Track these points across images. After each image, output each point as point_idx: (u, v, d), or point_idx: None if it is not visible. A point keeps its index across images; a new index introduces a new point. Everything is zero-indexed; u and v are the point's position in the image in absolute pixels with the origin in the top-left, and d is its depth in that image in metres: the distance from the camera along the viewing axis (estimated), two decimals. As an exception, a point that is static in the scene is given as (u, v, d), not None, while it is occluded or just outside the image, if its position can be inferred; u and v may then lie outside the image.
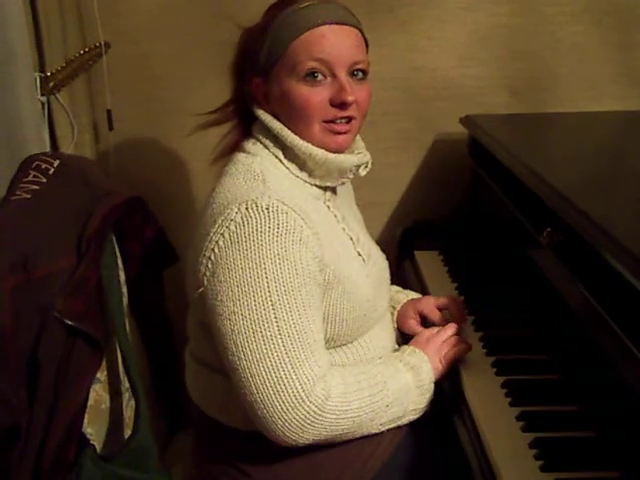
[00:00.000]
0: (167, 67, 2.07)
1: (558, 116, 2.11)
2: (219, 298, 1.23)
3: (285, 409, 1.20)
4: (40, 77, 1.75)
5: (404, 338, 1.55)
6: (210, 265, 1.24)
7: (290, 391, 1.20)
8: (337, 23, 1.31)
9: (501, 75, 2.14)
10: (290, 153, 1.34)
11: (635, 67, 2.15)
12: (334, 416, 1.24)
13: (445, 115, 2.14)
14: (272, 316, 1.20)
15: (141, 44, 2.06)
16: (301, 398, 1.20)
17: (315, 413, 1.22)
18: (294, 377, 1.20)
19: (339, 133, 1.33)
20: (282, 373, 1.20)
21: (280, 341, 1.20)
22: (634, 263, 1.09)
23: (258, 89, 1.36)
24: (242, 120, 1.41)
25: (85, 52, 1.95)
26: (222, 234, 1.23)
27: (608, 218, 1.25)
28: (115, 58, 2.02)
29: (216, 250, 1.23)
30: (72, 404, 1.32)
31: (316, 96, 1.30)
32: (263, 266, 1.21)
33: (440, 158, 2.20)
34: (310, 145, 1.32)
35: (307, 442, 1.25)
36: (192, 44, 2.04)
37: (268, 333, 1.20)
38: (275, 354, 1.20)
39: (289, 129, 1.33)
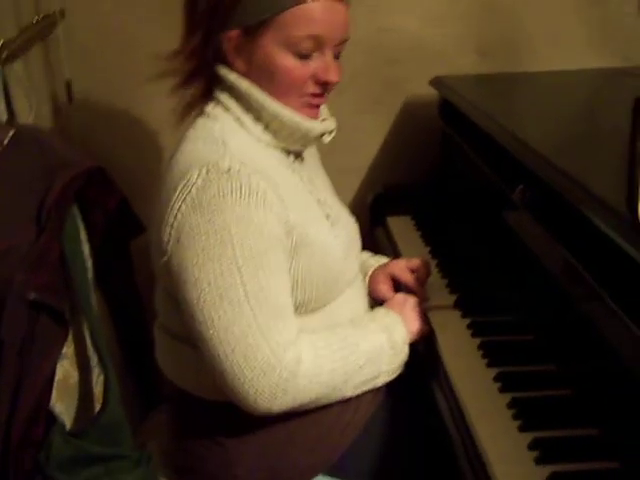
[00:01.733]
0: (127, 33, 2.01)
1: (530, 75, 2.08)
2: (184, 265, 1.19)
3: (256, 377, 1.18)
4: (-5, 46, 1.69)
5: (376, 304, 1.52)
6: (173, 232, 1.21)
7: (260, 358, 1.18)
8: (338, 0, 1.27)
9: (471, 34, 2.11)
10: (255, 114, 1.30)
11: (608, 23, 2.13)
12: (306, 381, 1.22)
13: (414, 77, 2.10)
14: (238, 281, 1.17)
15: (98, 11, 1.99)
16: (272, 365, 1.18)
17: (287, 379, 1.19)
18: (264, 344, 1.18)
19: (315, 106, 1.31)
20: (251, 340, 1.17)
21: (248, 307, 1.18)
22: (610, 216, 1.08)
23: (230, 42, 1.27)
24: (200, 75, 1.33)
25: (40, 19, 1.88)
26: (184, 200, 1.19)
27: (583, 173, 1.23)
28: (72, 25, 1.97)
29: (179, 216, 1.20)
30: (38, 380, 1.29)
31: (302, 70, 1.27)
32: (227, 230, 1.17)
33: (410, 121, 2.17)
34: (279, 106, 1.28)
35: (281, 409, 1.23)
36: (154, 7, 1.97)
37: (235, 299, 1.17)
38: (243, 320, 1.17)
39: (259, 88, 1.28)
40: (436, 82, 2.00)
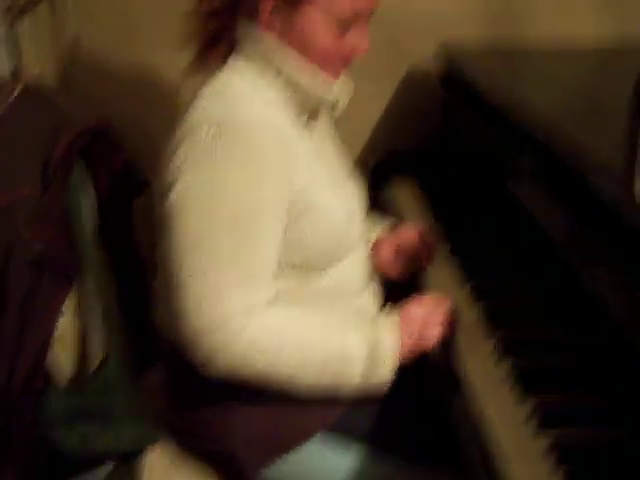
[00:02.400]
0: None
1: (536, 44, 2.07)
2: (171, 211, 1.19)
3: (199, 332, 1.18)
4: (4, 2, 1.69)
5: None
6: (172, 180, 1.20)
7: (209, 315, 1.17)
8: None
9: (474, 3, 2.10)
10: (273, 73, 1.28)
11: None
12: (244, 352, 1.19)
13: (419, 47, 2.09)
14: (217, 236, 1.18)
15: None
16: (216, 325, 1.18)
17: (224, 343, 1.18)
18: (217, 302, 1.18)
19: (339, 70, 1.31)
20: (208, 294, 1.17)
21: (218, 262, 1.18)
22: (617, 186, 1.08)
23: (266, 2, 1.24)
24: (225, 35, 1.30)
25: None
26: (189, 152, 1.19)
27: (590, 142, 1.23)
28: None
29: (181, 166, 1.19)
30: (40, 334, 1.30)
31: (340, 41, 1.26)
32: (224, 186, 1.18)
33: (412, 90, 2.16)
34: (299, 67, 1.27)
35: (221, 372, 1.22)
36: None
37: (210, 250, 1.17)
38: (207, 274, 1.17)
39: (284, 46, 1.27)
40: (442, 51, 1.99)
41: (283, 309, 1.26)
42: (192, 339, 1.19)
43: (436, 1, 2.09)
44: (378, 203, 1.93)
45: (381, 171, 2.03)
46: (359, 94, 1.40)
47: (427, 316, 1.29)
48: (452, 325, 1.29)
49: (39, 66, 1.85)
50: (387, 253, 1.54)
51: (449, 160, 2.00)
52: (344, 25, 1.25)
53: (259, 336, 1.20)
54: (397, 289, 1.51)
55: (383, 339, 1.25)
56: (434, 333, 1.28)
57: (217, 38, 1.30)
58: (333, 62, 1.29)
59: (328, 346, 1.24)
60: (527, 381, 1.15)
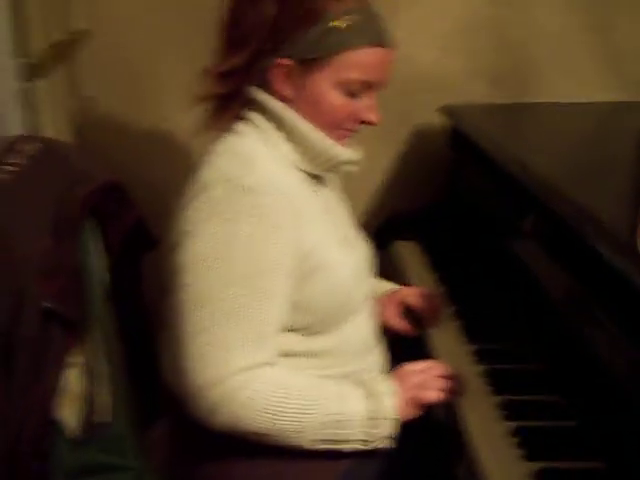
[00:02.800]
0: (148, 52, 2.06)
1: (540, 105, 2.11)
2: (185, 266, 1.22)
3: (203, 387, 1.20)
4: (22, 63, 1.73)
5: (383, 329, 1.53)
6: (185, 237, 1.23)
7: (213, 371, 1.19)
8: (390, 48, 1.31)
9: (482, 66, 2.15)
10: (285, 134, 1.31)
11: (616, 54, 2.16)
12: (245, 410, 1.20)
13: (425, 106, 2.13)
14: (229, 293, 1.19)
15: (122, 30, 2.05)
16: (219, 380, 1.19)
17: (225, 400, 1.20)
18: (222, 359, 1.19)
19: (346, 137, 1.35)
20: (213, 351, 1.19)
21: (225, 320, 1.19)
22: (617, 248, 1.10)
23: (280, 68, 1.28)
24: (235, 99, 1.33)
25: (68, 39, 1.93)
26: (202, 209, 1.22)
27: (592, 204, 1.25)
28: (97, 44, 2.02)
29: (193, 222, 1.22)
30: (48, 389, 1.30)
31: (349, 108, 1.30)
32: (234, 244, 1.20)
33: (419, 149, 2.20)
34: (311, 127, 1.30)
35: (221, 426, 1.23)
36: (176, 30, 2.02)
37: (218, 308, 1.19)
38: (214, 331, 1.19)
39: (293, 111, 1.30)
40: (446, 110, 2.03)
41: (285, 368, 1.28)
42: (196, 393, 1.21)
43: (443, 62, 2.14)
44: (382, 264, 1.94)
45: (386, 232, 2.05)
46: (366, 153, 1.43)
47: (423, 371, 1.31)
48: (454, 387, 1.30)
49: (54, 125, 1.89)
50: (392, 312, 1.55)
51: (453, 221, 2.02)
52: (353, 93, 1.28)
53: (260, 394, 1.21)
54: (403, 345, 1.52)
55: (383, 399, 1.25)
56: (433, 387, 1.29)
57: (229, 99, 1.33)
58: (341, 128, 1.32)
59: (328, 407, 1.24)
60: (530, 444, 1.15)
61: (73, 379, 1.42)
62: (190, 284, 1.21)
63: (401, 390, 1.27)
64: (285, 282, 1.24)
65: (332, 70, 1.27)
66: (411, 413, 1.28)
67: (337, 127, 1.32)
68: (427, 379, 1.30)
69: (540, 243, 1.37)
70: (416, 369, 1.32)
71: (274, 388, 1.22)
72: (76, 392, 1.43)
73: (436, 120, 2.05)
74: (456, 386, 1.30)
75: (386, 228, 2.06)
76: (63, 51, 1.93)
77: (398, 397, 1.26)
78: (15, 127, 1.63)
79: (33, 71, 1.77)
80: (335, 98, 1.28)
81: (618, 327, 1.10)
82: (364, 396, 1.25)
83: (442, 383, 1.30)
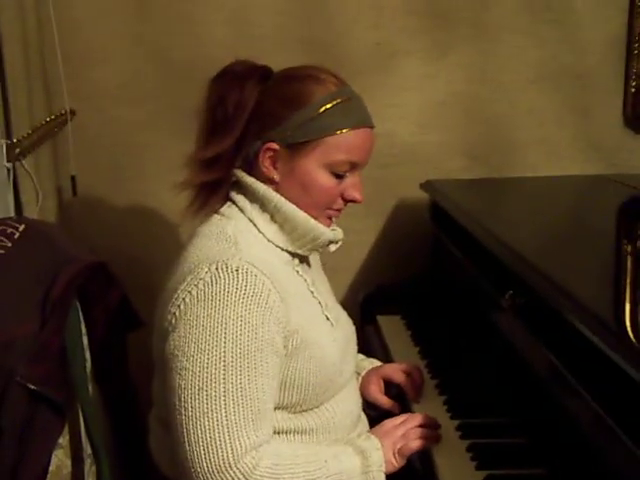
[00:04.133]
0: (131, 133, 2.10)
1: (517, 180, 2.16)
2: (175, 352, 1.23)
3: (211, 471, 1.19)
4: (6, 144, 1.76)
5: (367, 405, 1.55)
6: (173, 320, 1.24)
7: (220, 455, 1.19)
8: (372, 127, 1.35)
9: (460, 141, 2.21)
10: (269, 216, 1.34)
11: (592, 131, 2.23)
12: None
13: (406, 180, 2.18)
14: (221, 377, 1.20)
15: (106, 111, 2.09)
16: (229, 464, 1.19)
17: (238, 479, 1.20)
18: (227, 442, 1.19)
19: (331, 218, 1.38)
20: (217, 435, 1.19)
21: (223, 403, 1.20)
22: (597, 325, 1.12)
23: (267, 153, 1.32)
24: (223, 185, 1.36)
25: (51, 119, 1.97)
26: (189, 291, 1.23)
27: (570, 281, 1.28)
28: (80, 124, 2.06)
29: (182, 306, 1.23)
30: (34, 470, 1.30)
31: (337, 189, 1.34)
32: (224, 326, 1.21)
33: (401, 223, 2.24)
34: (295, 209, 1.33)
35: None
36: (156, 110, 2.07)
37: (213, 393, 1.20)
38: (215, 415, 1.19)
39: (276, 192, 1.33)
40: (426, 186, 2.06)
41: (285, 442, 1.30)
42: (207, 479, 1.20)
43: (423, 138, 2.19)
44: (366, 338, 1.96)
45: (369, 306, 2.06)
46: (348, 228, 1.46)
47: (404, 424, 1.38)
48: (433, 434, 1.38)
49: (38, 203, 1.91)
50: (375, 388, 1.56)
51: (435, 294, 2.04)
52: (340, 174, 1.32)
53: (270, 470, 1.22)
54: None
55: (372, 453, 1.31)
56: (415, 436, 1.36)
57: (215, 185, 1.35)
58: (330, 208, 1.36)
59: (329, 469, 1.27)
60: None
61: (58, 460, 1.42)
62: (184, 368, 1.21)
63: (388, 444, 1.34)
64: (274, 360, 1.26)
65: (320, 153, 1.30)
66: (399, 463, 1.35)
67: (326, 207, 1.35)
68: (409, 430, 1.37)
69: (519, 318, 1.39)
70: (396, 423, 1.39)
71: (280, 461, 1.24)
72: (62, 473, 1.43)
73: (418, 194, 2.09)
74: (435, 432, 1.39)
75: (371, 301, 2.07)
76: (48, 131, 1.96)
77: (385, 451, 1.33)
78: (2, 208, 1.65)
79: (17, 152, 1.79)
80: (326, 180, 1.32)
81: (596, 400, 1.11)
82: (355, 453, 1.31)
83: (423, 432, 1.37)
